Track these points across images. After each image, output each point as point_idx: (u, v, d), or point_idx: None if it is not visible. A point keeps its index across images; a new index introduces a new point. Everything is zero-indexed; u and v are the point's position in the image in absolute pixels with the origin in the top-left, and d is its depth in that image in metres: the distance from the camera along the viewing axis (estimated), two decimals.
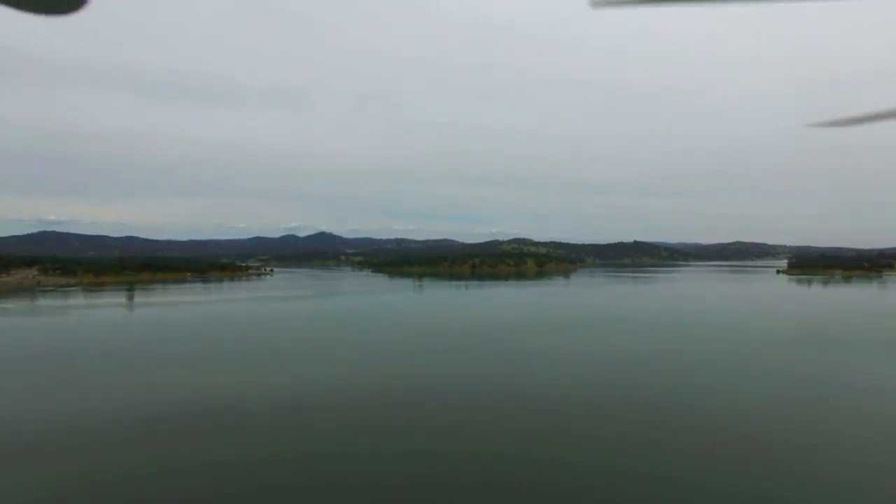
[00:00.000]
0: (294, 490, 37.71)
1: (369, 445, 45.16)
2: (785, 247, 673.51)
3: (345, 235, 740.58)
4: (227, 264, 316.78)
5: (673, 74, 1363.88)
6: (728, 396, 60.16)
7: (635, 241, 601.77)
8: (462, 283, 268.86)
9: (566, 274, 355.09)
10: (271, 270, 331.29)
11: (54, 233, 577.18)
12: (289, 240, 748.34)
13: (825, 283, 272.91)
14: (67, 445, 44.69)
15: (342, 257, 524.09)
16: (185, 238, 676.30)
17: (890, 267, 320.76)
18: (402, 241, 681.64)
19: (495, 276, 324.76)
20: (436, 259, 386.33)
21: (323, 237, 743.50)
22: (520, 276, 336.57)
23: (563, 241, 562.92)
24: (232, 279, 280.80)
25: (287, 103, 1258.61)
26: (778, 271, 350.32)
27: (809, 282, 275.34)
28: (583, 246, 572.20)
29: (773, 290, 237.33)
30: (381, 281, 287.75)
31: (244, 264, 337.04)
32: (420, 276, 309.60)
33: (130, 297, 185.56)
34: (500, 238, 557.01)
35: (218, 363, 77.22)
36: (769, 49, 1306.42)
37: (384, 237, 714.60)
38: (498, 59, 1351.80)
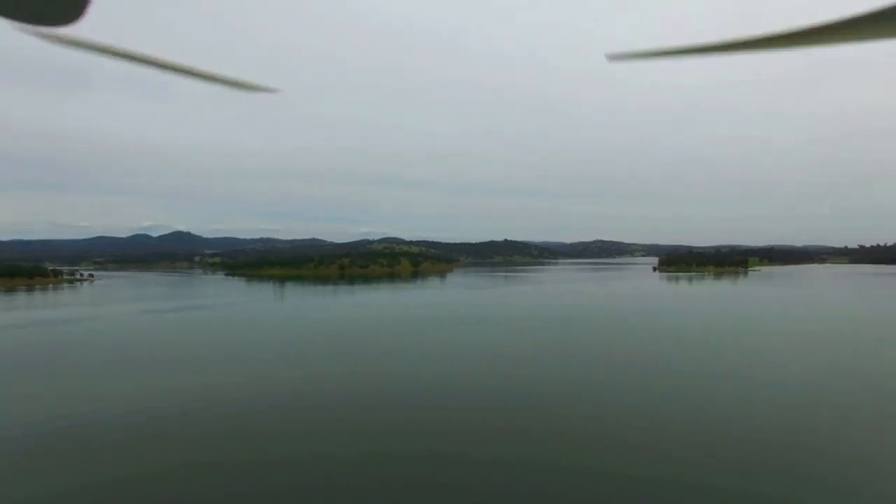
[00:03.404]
0: None
1: None
2: (638, 245, 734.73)
3: (205, 235, 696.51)
4: (21, 269, 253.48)
5: (550, 82, 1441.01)
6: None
7: (506, 240, 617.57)
8: (329, 286, 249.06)
9: (444, 274, 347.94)
10: (91, 276, 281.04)
11: None
12: (139, 239, 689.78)
13: (705, 279, 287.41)
14: None
15: (197, 259, 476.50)
16: (6, 238, 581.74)
17: (747, 263, 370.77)
18: (269, 240, 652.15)
19: (367, 278, 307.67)
20: (301, 260, 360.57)
21: (179, 237, 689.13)
22: (394, 277, 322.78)
23: (434, 240, 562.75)
24: (30, 289, 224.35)
25: (148, 91, 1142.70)
26: (654, 269, 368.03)
27: (692, 279, 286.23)
28: (455, 245, 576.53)
29: (686, 289, 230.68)
30: (232, 286, 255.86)
31: (56, 269, 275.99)
32: (282, 280, 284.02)
33: None
34: (371, 238, 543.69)
35: None
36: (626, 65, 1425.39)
37: (248, 237, 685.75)
38: (399, 60, 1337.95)
